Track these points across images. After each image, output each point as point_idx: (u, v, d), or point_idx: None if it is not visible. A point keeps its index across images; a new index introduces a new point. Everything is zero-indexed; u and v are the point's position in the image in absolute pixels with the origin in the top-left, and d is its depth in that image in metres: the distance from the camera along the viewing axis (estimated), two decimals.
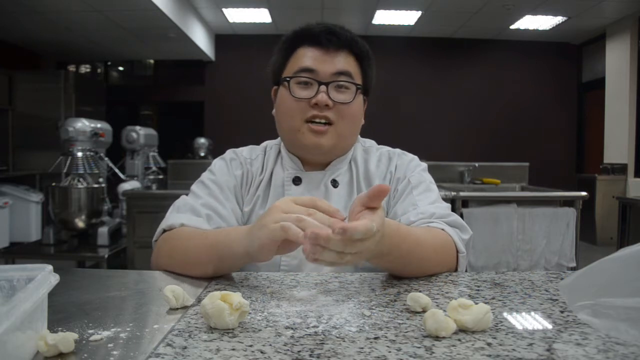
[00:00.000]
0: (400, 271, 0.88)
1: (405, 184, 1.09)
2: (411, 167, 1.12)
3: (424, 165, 1.16)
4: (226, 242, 0.85)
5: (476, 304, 0.62)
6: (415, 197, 1.06)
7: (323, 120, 1.03)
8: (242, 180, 1.11)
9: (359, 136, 1.18)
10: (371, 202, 0.72)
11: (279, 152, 1.14)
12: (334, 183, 1.09)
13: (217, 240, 0.87)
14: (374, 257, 0.79)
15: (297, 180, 1.09)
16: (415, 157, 1.17)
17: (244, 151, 1.16)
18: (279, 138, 1.16)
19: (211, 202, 1.04)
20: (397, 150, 1.18)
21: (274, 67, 1.10)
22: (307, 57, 1.04)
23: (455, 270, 0.96)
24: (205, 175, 1.11)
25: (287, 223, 0.73)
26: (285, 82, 1.05)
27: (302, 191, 1.08)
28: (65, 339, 0.54)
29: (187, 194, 1.09)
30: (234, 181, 1.10)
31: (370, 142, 1.19)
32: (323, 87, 1.02)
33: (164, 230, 1.00)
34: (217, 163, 1.14)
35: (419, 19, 6.56)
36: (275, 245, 0.77)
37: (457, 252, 0.96)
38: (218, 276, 0.87)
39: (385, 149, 1.18)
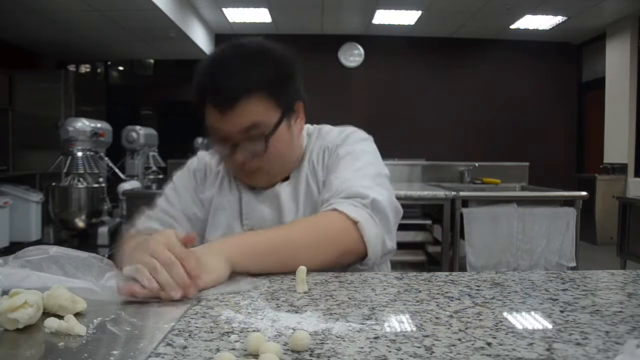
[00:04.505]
0: (282, 271, 0.88)
1: (334, 157, 1.08)
2: (347, 141, 1.10)
3: (363, 136, 1.12)
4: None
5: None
6: (339, 166, 1.05)
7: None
8: (204, 173, 1.16)
9: (315, 127, 1.17)
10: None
11: None
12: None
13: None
14: (237, 267, 0.83)
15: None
16: (357, 131, 1.13)
17: (200, 153, 1.22)
18: None
19: (165, 207, 1.12)
20: (340, 129, 1.15)
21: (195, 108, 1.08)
22: (210, 116, 1.00)
23: (366, 253, 0.94)
24: (166, 186, 1.19)
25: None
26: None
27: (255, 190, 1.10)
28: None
29: None
30: (192, 179, 1.15)
31: (324, 129, 1.16)
32: (234, 150, 1.00)
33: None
34: (177, 172, 1.21)
35: (419, 18, 6.55)
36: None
37: (357, 224, 0.92)
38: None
39: (330, 134, 1.13)
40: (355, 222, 0.92)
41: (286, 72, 1.02)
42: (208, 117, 1.00)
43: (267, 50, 1.02)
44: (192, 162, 1.19)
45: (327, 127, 1.17)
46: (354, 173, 1.02)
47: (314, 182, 1.09)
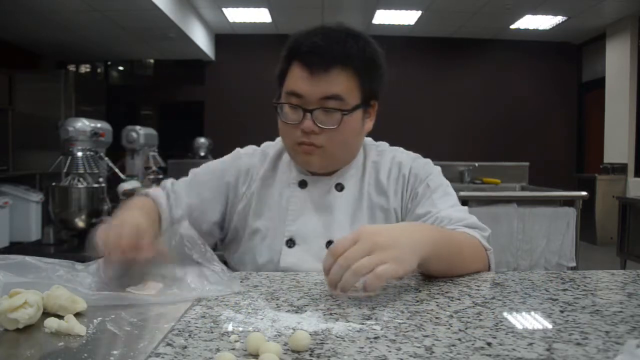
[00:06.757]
0: (445, 272, 0.89)
1: (424, 187, 1.09)
2: (427, 170, 1.12)
3: (438, 168, 1.15)
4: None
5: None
6: (435, 201, 1.07)
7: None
8: (244, 175, 1.14)
9: (371, 140, 1.17)
10: None
11: (282, 153, 1.14)
12: (339, 187, 1.09)
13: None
14: (424, 262, 0.80)
15: (302, 184, 1.10)
16: (429, 160, 1.16)
17: (249, 149, 1.19)
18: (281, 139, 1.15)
19: (180, 188, 1.14)
20: (411, 154, 1.17)
21: (278, 75, 1.08)
22: (296, 78, 1.01)
23: (489, 268, 0.99)
24: (200, 167, 1.18)
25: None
26: (277, 105, 1.05)
27: (306, 195, 1.08)
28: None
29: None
30: (223, 181, 1.13)
31: (383, 146, 1.18)
32: (308, 115, 1.00)
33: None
34: (216, 163, 1.18)
35: (419, 19, 6.55)
36: None
37: (485, 250, 0.99)
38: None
39: (398, 154, 1.15)
40: (486, 250, 1.00)
41: (379, 64, 1.06)
42: (292, 81, 1.01)
43: (370, 39, 1.05)
44: (239, 157, 1.17)
45: (383, 143, 1.18)
46: (453, 208, 1.07)
47: (377, 193, 1.10)
